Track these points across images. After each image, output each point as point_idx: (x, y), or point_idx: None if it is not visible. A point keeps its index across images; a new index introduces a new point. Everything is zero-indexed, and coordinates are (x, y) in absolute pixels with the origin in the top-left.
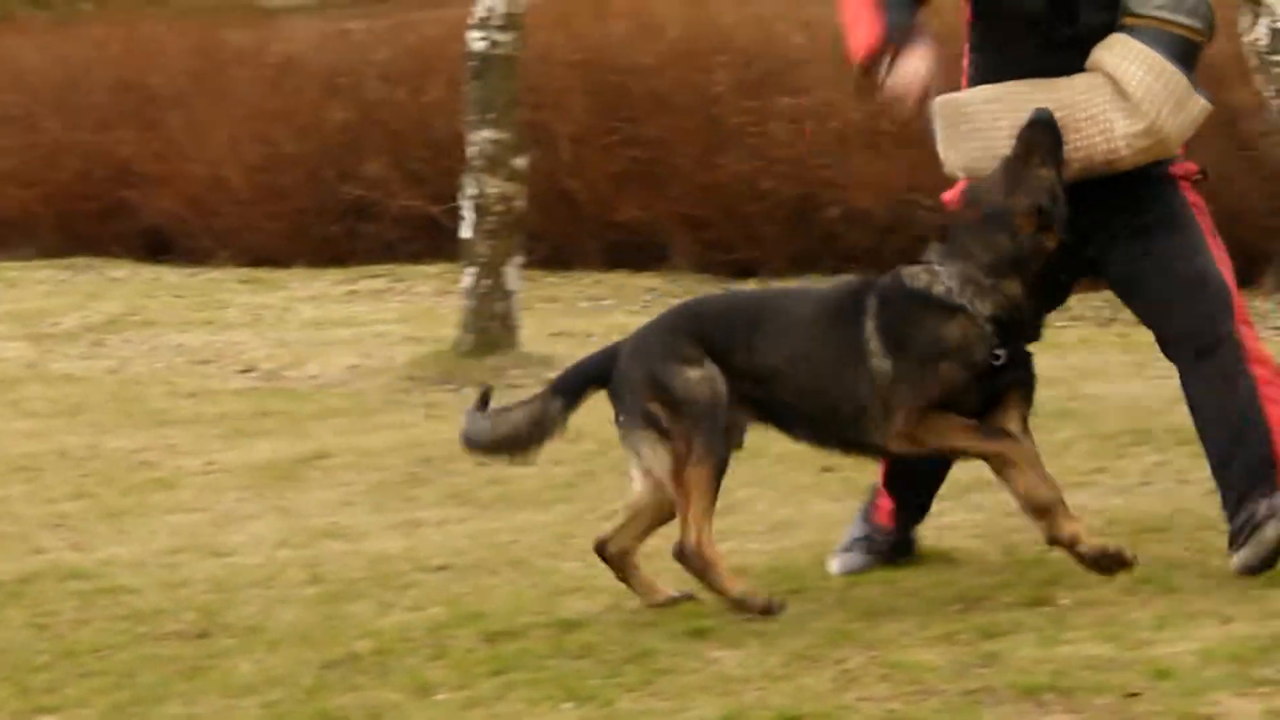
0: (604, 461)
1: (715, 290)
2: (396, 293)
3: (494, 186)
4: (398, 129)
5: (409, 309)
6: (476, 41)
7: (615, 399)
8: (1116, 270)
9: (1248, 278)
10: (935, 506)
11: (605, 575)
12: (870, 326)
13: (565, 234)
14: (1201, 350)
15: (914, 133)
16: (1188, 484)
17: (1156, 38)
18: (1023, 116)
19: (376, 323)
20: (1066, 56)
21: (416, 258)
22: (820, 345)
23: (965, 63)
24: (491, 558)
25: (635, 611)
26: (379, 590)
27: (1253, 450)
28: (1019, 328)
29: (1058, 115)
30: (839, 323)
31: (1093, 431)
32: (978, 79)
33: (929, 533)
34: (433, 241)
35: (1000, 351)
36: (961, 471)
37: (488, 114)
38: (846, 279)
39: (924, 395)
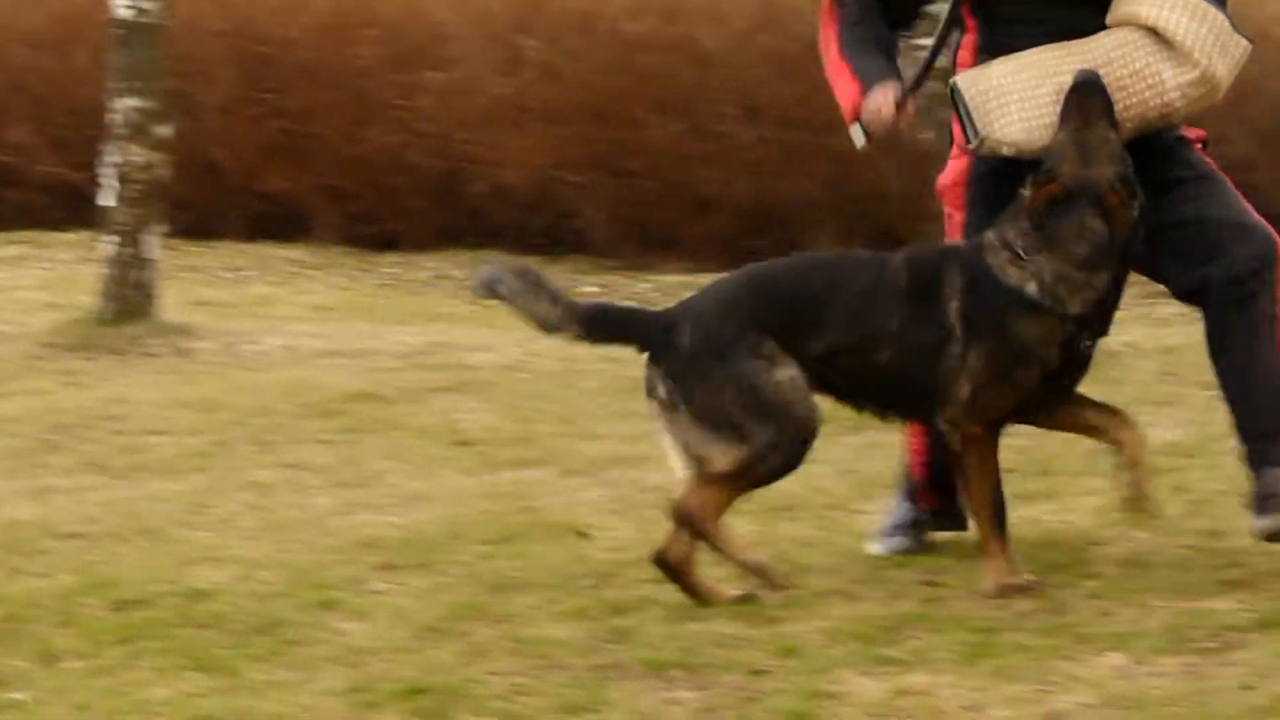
0: (240, 432)
1: (361, 263)
2: (37, 259)
3: (137, 155)
4: (42, 95)
5: (49, 276)
6: (122, 9)
7: (671, 381)
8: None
9: None
10: (569, 482)
11: (238, 545)
12: (954, 309)
13: (210, 204)
14: (1242, 300)
15: (559, 110)
16: (820, 463)
17: None
18: (1063, 80)
19: (15, 289)
20: (1083, 12)
21: (58, 225)
22: (899, 321)
23: (966, 40)
24: (124, 526)
25: (266, 582)
26: (9, 557)
27: (1273, 418)
28: (1103, 318)
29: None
30: (920, 299)
31: None
32: (988, 51)
33: (560, 508)
34: (75, 209)
35: (1088, 344)
36: (594, 448)
37: (132, 82)
38: (917, 248)
39: (996, 402)
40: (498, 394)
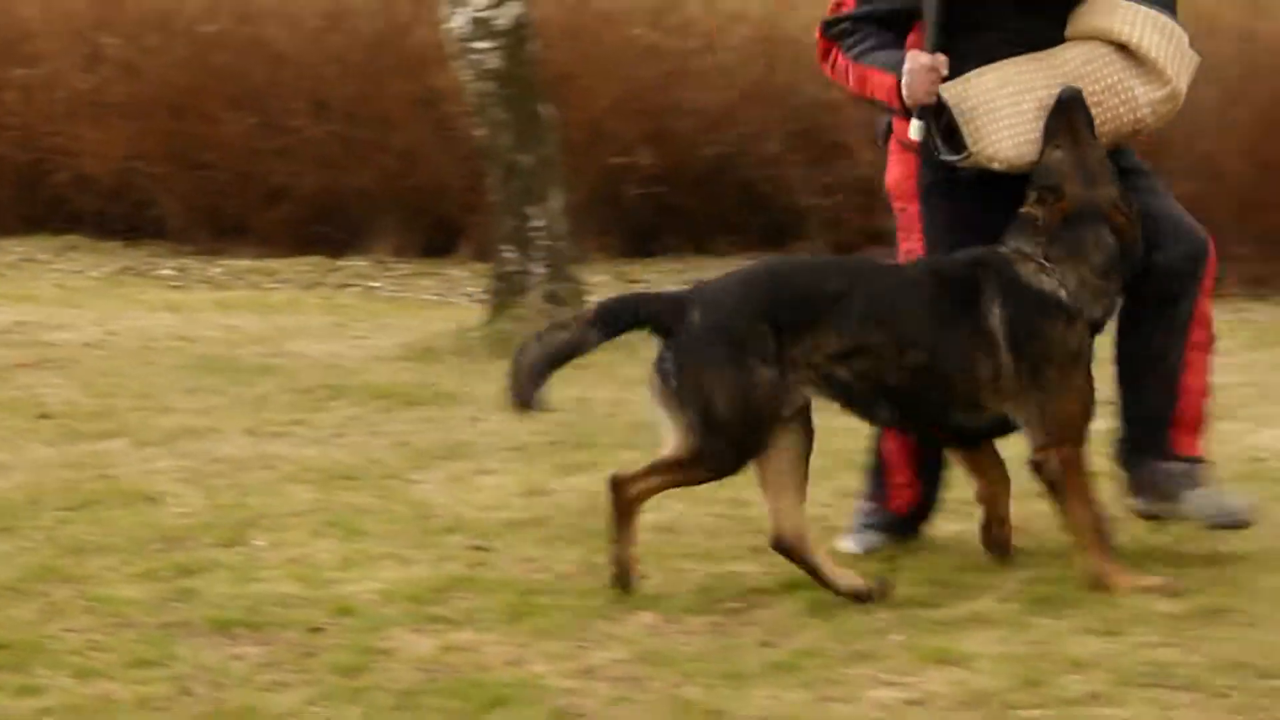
0: None
1: None
2: None
3: None
4: None
5: None
6: None
7: (675, 354)
8: None
9: (446, 248)
10: (144, 453)
11: None
12: (996, 317)
13: None
14: (1167, 296)
15: (138, 104)
16: (378, 435)
17: None
18: (1042, 95)
19: None
20: (1046, 24)
21: None
22: (930, 327)
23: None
24: None
25: None
26: None
27: (1158, 409)
28: (1103, 326)
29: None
30: (951, 306)
31: (293, 386)
32: (957, 65)
33: (135, 476)
34: None
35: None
36: (168, 421)
37: None
38: (939, 258)
39: (1071, 414)
40: (78, 370)
